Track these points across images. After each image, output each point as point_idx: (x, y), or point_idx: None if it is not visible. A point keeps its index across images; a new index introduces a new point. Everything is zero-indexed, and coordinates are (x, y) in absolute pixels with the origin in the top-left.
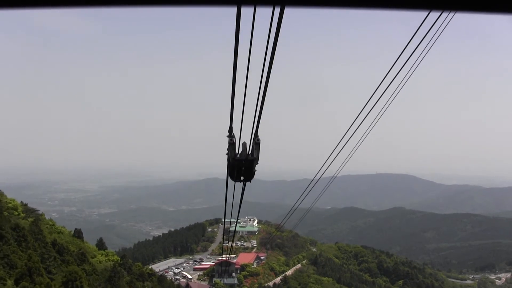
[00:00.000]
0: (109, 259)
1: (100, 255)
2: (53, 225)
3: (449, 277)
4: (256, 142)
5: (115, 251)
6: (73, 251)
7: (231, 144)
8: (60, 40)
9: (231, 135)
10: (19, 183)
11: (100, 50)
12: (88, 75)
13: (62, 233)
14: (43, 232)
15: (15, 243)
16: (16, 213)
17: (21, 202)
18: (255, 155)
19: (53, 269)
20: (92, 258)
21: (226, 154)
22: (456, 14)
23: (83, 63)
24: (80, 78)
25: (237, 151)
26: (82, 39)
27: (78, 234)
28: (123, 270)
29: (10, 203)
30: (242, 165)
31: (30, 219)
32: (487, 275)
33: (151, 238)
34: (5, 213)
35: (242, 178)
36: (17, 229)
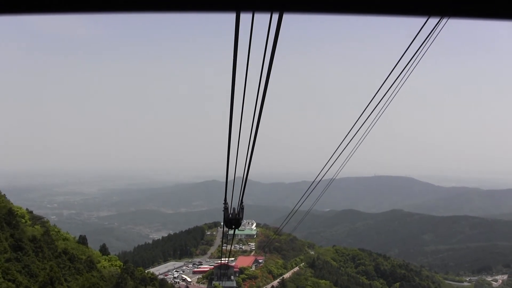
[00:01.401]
0: (112, 264)
1: (103, 260)
2: (59, 231)
3: (446, 279)
4: (241, 207)
5: (116, 255)
6: (82, 259)
7: (225, 209)
8: (58, 41)
9: (225, 202)
10: (19, 186)
11: (99, 52)
12: (87, 78)
13: (67, 239)
14: (54, 242)
15: (33, 254)
16: (24, 220)
17: (27, 209)
18: (240, 216)
19: (68, 277)
20: (97, 263)
21: (223, 210)
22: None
23: (82, 66)
24: (79, 80)
25: (229, 212)
26: (81, 41)
27: (83, 240)
28: (127, 275)
29: (18, 211)
30: (233, 221)
31: (36, 226)
32: (484, 277)
33: (150, 241)
34: (14, 222)
35: (233, 227)
36: (35, 241)
